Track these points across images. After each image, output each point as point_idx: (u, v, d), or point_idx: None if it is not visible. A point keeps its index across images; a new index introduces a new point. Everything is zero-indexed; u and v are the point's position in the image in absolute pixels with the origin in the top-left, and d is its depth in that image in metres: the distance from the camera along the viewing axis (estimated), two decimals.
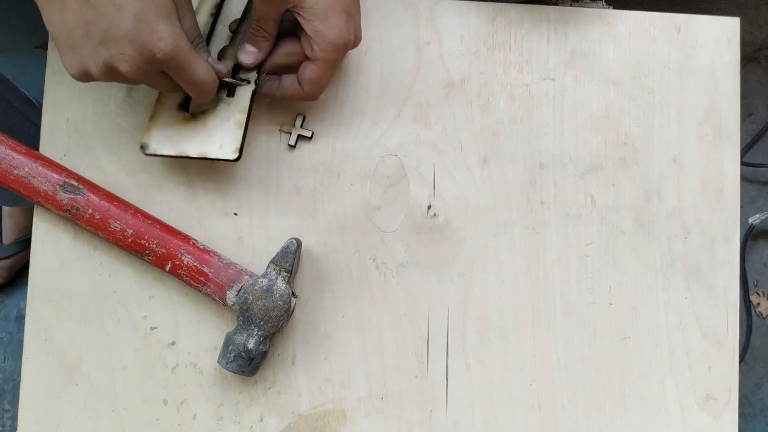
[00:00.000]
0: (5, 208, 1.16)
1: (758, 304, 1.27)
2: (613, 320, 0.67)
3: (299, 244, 0.63)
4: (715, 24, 0.69)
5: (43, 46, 1.20)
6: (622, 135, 0.68)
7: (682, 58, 0.69)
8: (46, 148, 0.66)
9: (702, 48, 0.69)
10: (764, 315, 1.26)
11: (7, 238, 1.16)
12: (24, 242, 1.17)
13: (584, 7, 0.70)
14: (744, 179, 1.27)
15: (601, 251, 0.67)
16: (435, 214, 0.67)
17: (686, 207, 0.68)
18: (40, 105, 0.93)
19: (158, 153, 0.61)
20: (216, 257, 0.63)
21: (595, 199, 0.67)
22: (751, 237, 1.24)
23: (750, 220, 1.23)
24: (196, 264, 0.62)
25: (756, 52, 1.26)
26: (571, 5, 0.70)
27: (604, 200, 0.67)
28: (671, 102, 0.68)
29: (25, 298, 1.18)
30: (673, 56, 0.69)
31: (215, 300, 0.62)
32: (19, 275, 1.20)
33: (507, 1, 0.69)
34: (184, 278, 0.63)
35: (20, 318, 1.19)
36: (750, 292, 1.26)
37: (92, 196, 0.63)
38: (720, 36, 0.69)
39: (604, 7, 0.70)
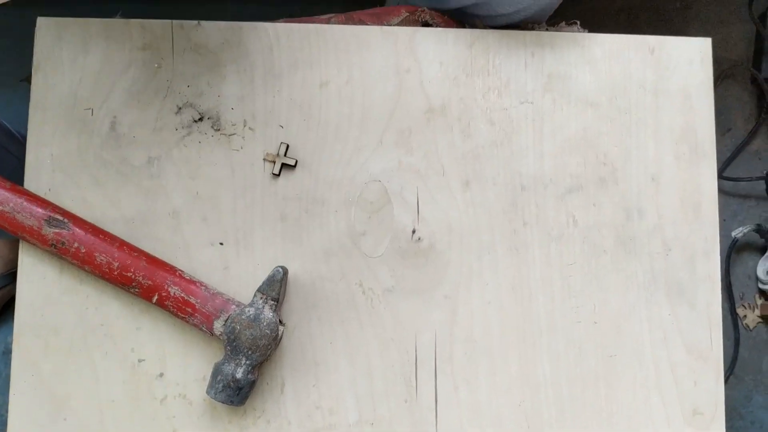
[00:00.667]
0: None
1: (745, 316, 1.28)
2: (598, 338, 0.67)
3: (285, 272, 0.63)
4: (687, 45, 0.71)
5: (28, 80, 1.20)
6: (600, 155, 0.69)
7: (656, 78, 0.70)
8: (30, 183, 0.67)
9: (676, 68, 0.71)
10: (751, 327, 1.27)
11: None
12: (10, 276, 1.16)
13: (560, 31, 0.72)
14: (725, 193, 1.29)
15: (584, 270, 0.68)
16: (419, 238, 0.68)
17: (666, 224, 0.69)
18: (23, 138, 0.94)
19: None
20: (202, 287, 0.63)
21: (577, 219, 0.68)
22: (734, 250, 1.25)
23: (733, 234, 1.24)
24: (182, 295, 0.63)
25: (731, 68, 1.28)
26: (547, 30, 0.72)
27: (585, 220, 0.68)
28: (648, 122, 0.70)
29: (12, 333, 1.17)
30: (648, 77, 0.70)
31: (203, 330, 0.63)
32: (5, 309, 1.20)
33: (484, 28, 0.71)
34: (171, 309, 0.63)
35: (7, 353, 1.18)
36: (736, 305, 1.27)
37: (77, 229, 0.63)
38: (693, 56, 0.71)
39: (579, 31, 0.72)
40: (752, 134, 1.28)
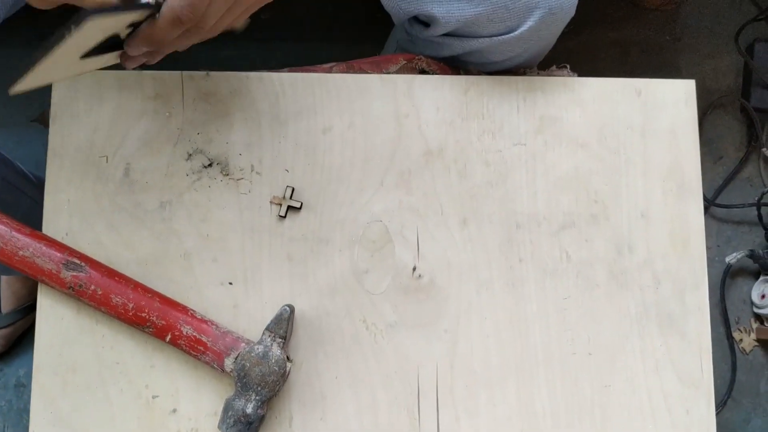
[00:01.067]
0: (3, 278, 1.19)
1: (741, 340, 1.30)
2: (593, 369, 0.70)
3: (292, 310, 0.66)
4: (672, 87, 0.74)
5: (39, 120, 1.24)
6: (591, 193, 0.72)
7: (643, 119, 0.74)
8: (48, 227, 0.70)
9: (662, 109, 0.74)
10: (747, 351, 1.30)
11: (6, 307, 1.18)
12: (22, 311, 1.20)
13: (551, 75, 0.75)
14: (718, 220, 1.32)
15: (578, 303, 0.71)
16: (420, 275, 0.71)
17: (656, 258, 0.72)
18: (36, 178, 0.97)
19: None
20: (213, 326, 0.66)
21: (570, 254, 0.71)
22: (729, 276, 1.28)
23: (727, 260, 1.27)
24: (194, 334, 0.66)
25: (721, 98, 1.32)
26: (538, 74, 0.76)
27: (578, 255, 0.72)
28: (636, 160, 0.73)
29: (24, 365, 1.20)
30: (636, 118, 0.74)
31: (214, 367, 0.65)
32: (17, 343, 1.23)
33: (478, 74, 0.74)
34: (184, 348, 0.66)
35: (19, 386, 1.21)
36: (732, 329, 1.30)
37: (94, 272, 0.67)
38: (678, 97, 0.74)
39: (569, 75, 0.75)
40: (743, 162, 1.32)
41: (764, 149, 1.30)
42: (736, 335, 1.30)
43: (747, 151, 1.32)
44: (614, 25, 1.33)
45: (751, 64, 1.28)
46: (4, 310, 1.18)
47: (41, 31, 1.24)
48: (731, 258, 1.26)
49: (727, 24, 1.34)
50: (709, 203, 1.30)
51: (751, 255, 1.26)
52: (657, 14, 1.34)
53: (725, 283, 1.29)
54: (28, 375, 1.21)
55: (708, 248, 1.29)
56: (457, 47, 0.71)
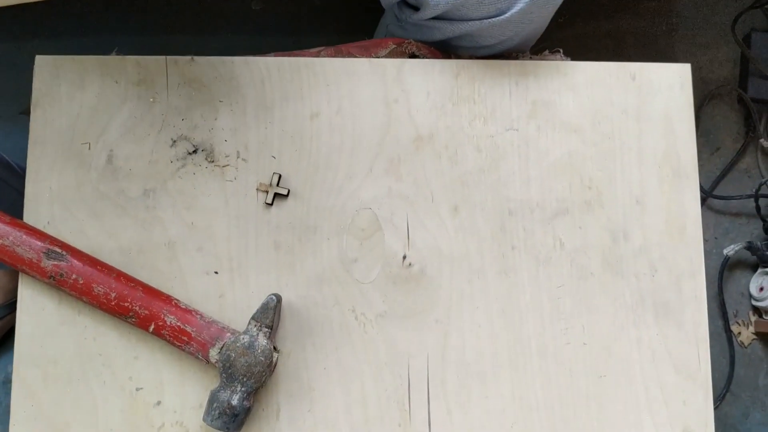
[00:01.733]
0: None
1: (739, 333, 1.28)
2: (588, 359, 0.69)
3: (279, 299, 0.65)
4: (667, 70, 0.73)
5: (26, 112, 1.22)
6: (585, 179, 0.71)
7: (638, 103, 0.72)
8: (29, 216, 0.68)
9: (657, 94, 0.72)
10: (746, 344, 1.28)
11: None
12: (9, 306, 1.18)
13: (543, 59, 0.74)
14: (716, 212, 1.30)
15: (573, 292, 0.69)
16: (410, 264, 0.69)
17: (652, 246, 0.70)
18: (22, 170, 0.95)
19: None
20: (198, 316, 0.65)
21: (564, 242, 0.70)
22: (726, 268, 1.27)
23: (725, 252, 1.25)
24: (178, 324, 0.64)
25: (718, 89, 1.30)
26: (531, 58, 0.74)
27: (572, 243, 0.70)
28: (631, 146, 0.72)
29: (12, 362, 1.18)
30: (630, 102, 0.72)
31: (199, 358, 0.64)
32: (5, 339, 1.21)
33: (469, 58, 0.73)
34: (168, 338, 0.64)
35: (7, 382, 1.19)
36: (730, 322, 1.28)
37: (75, 261, 0.65)
38: (673, 82, 0.73)
39: (562, 59, 0.74)
40: (740, 153, 1.30)
41: (762, 140, 1.29)
42: (735, 328, 1.28)
43: (744, 142, 1.30)
44: (609, 15, 1.31)
45: (747, 54, 1.27)
46: None
47: (27, 26, 1.22)
48: (729, 250, 1.25)
49: (723, 14, 1.33)
50: (706, 195, 1.28)
51: (749, 247, 1.24)
52: (652, 4, 1.32)
53: (723, 275, 1.27)
54: None
55: (705, 240, 1.28)
56: (447, 30, 0.70)
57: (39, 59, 0.70)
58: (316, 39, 1.26)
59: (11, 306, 1.17)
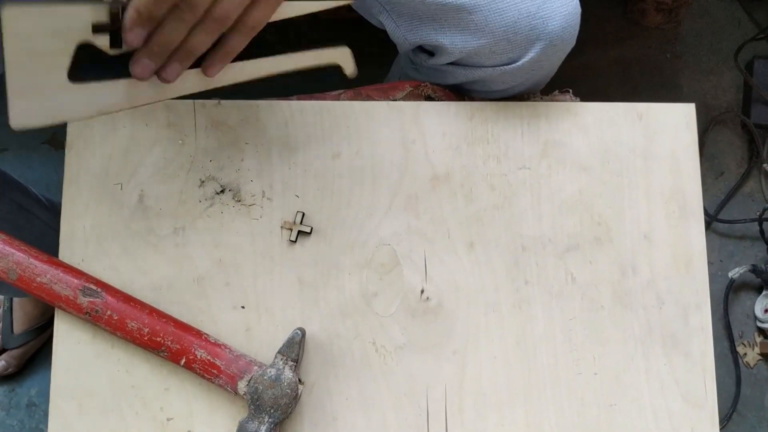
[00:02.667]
0: (15, 300, 1.21)
1: (745, 354, 1.31)
2: (599, 389, 0.72)
3: (303, 333, 0.68)
4: (673, 110, 0.76)
5: (50, 142, 1.26)
6: (595, 216, 0.74)
7: (645, 142, 0.76)
8: (65, 254, 0.72)
9: (663, 133, 0.76)
10: (752, 365, 1.31)
11: (18, 328, 1.20)
12: (34, 331, 1.21)
13: (554, 100, 0.77)
14: (721, 235, 1.33)
15: (584, 324, 0.72)
16: (428, 298, 0.72)
17: (659, 279, 0.73)
18: (48, 201, 0.99)
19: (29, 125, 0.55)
20: (227, 350, 0.68)
21: (575, 276, 0.73)
22: (732, 290, 1.30)
23: (730, 275, 1.28)
24: (208, 357, 0.67)
25: (722, 114, 1.34)
26: (541, 99, 0.77)
27: (583, 277, 0.73)
28: (639, 183, 0.75)
29: (36, 385, 1.22)
30: (638, 141, 0.75)
31: (228, 390, 0.67)
32: (29, 363, 1.24)
33: (482, 100, 0.76)
34: (198, 371, 0.67)
35: (31, 406, 1.22)
36: (736, 343, 1.31)
37: (110, 298, 0.68)
38: (679, 121, 0.76)
39: (572, 100, 0.77)
40: (744, 177, 1.33)
41: (765, 165, 1.32)
42: (740, 349, 1.31)
43: (748, 166, 1.33)
44: (615, 44, 1.35)
45: (750, 81, 1.30)
46: (17, 331, 1.20)
47: None
48: (734, 273, 1.28)
49: (727, 41, 1.36)
50: (711, 218, 1.31)
51: (754, 270, 1.27)
52: (657, 33, 1.36)
53: (728, 297, 1.30)
54: (40, 395, 1.23)
55: (711, 263, 1.31)
56: (461, 76, 0.73)
57: None
58: (333, 68, 1.30)
59: (36, 331, 1.21)
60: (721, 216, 1.32)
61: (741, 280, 1.31)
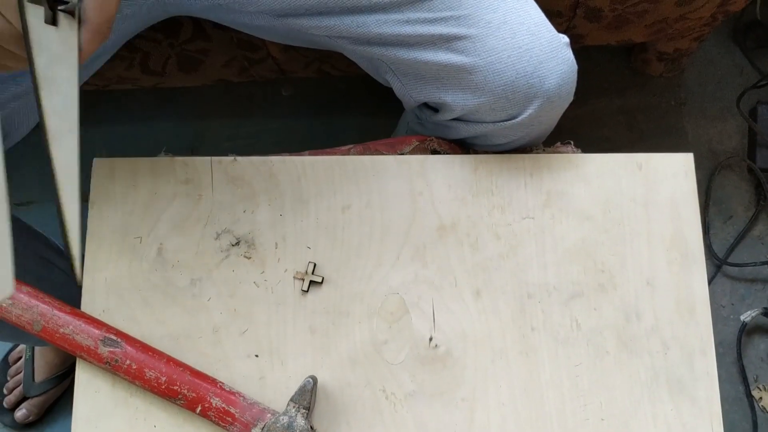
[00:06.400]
0: (37, 349, 1.24)
1: (761, 398, 1.30)
2: None
3: (315, 381, 0.70)
4: (672, 160, 0.79)
5: None
6: (599, 263, 0.76)
7: (645, 191, 0.78)
8: (87, 305, 0.75)
9: (663, 182, 0.78)
10: (767, 409, 1.30)
11: (39, 376, 1.22)
12: (54, 379, 1.24)
13: (556, 152, 0.80)
14: (732, 278, 1.34)
15: (590, 370, 0.74)
16: (436, 345, 0.74)
17: (663, 325, 0.75)
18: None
19: None
20: (241, 398, 0.70)
21: (580, 323, 0.75)
22: (744, 334, 1.30)
23: (742, 318, 1.29)
24: (223, 405, 0.69)
25: (728, 159, 1.36)
26: (544, 151, 0.80)
27: (588, 324, 0.75)
28: (640, 231, 0.77)
29: None
30: (638, 190, 0.78)
31: None
32: (49, 411, 1.26)
33: (486, 152, 0.79)
34: (213, 419, 0.69)
35: None
36: (751, 387, 1.30)
37: (129, 348, 0.71)
38: (678, 170, 0.78)
39: (573, 152, 0.80)
40: (753, 221, 1.34)
41: None
42: (756, 393, 1.30)
43: (756, 210, 1.34)
44: (620, 93, 1.38)
45: (754, 127, 1.32)
46: (38, 380, 1.22)
47: None
48: (746, 316, 1.28)
49: (730, 88, 1.39)
50: (721, 262, 1.32)
51: (766, 313, 1.27)
52: (661, 80, 1.39)
53: (741, 341, 1.30)
54: None
55: (722, 307, 1.32)
56: (464, 131, 0.76)
57: (96, 161, 0.78)
58: (344, 120, 1.35)
59: (56, 380, 1.23)
60: (731, 259, 1.33)
61: (753, 323, 1.31)
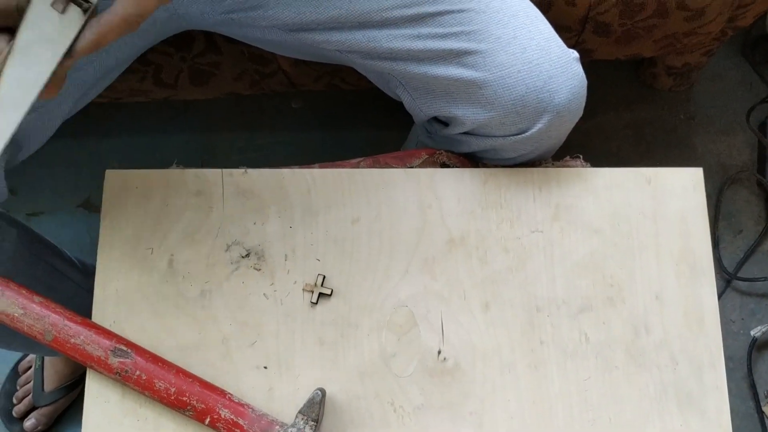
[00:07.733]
0: (46, 358, 1.24)
1: None
2: None
3: (324, 393, 0.70)
4: (680, 175, 0.79)
5: (85, 205, 1.31)
6: (607, 277, 0.76)
7: (654, 205, 0.78)
8: (97, 315, 0.75)
9: (671, 196, 0.78)
10: None
11: (49, 385, 1.23)
12: (63, 389, 1.24)
13: (565, 165, 0.80)
14: (742, 293, 1.33)
15: (599, 384, 0.74)
16: (445, 358, 0.74)
17: (672, 339, 0.75)
18: (80, 263, 1.03)
19: None
20: (250, 409, 0.70)
21: (589, 336, 0.75)
22: (755, 349, 1.29)
23: (752, 333, 1.28)
24: (232, 417, 0.69)
25: (738, 173, 1.35)
26: (553, 164, 0.80)
27: (597, 337, 0.75)
28: (649, 245, 0.77)
29: None
30: (647, 204, 0.78)
31: None
32: (57, 421, 1.27)
33: (495, 166, 0.79)
34: (222, 430, 0.70)
35: None
36: (762, 403, 1.29)
37: (139, 359, 0.71)
38: (686, 184, 0.78)
39: (582, 165, 0.80)
40: (763, 235, 1.34)
41: None
42: (766, 409, 1.29)
43: (766, 224, 1.34)
44: (628, 107, 1.38)
45: (764, 141, 1.32)
46: (47, 389, 1.23)
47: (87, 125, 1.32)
48: (756, 331, 1.27)
49: (740, 103, 1.39)
50: (731, 277, 1.31)
51: None
52: (670, 95, 1.39)
53: (752, 356, 1.29)
54: None
55: (732, 321, 1.31)
56: (473, 144, 0.77)
57: (108, 173, 0.79)
58: (353, 133, 1.36)
59: (65, 389, 1.24)
60: (741, 274, 1.32)
61: (764, 338, 1.30)
